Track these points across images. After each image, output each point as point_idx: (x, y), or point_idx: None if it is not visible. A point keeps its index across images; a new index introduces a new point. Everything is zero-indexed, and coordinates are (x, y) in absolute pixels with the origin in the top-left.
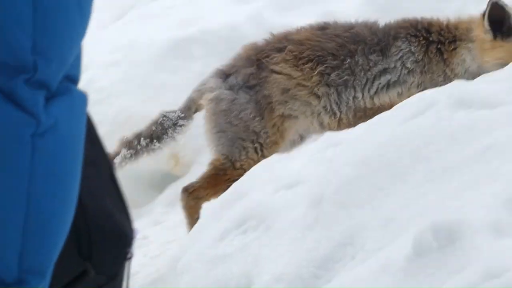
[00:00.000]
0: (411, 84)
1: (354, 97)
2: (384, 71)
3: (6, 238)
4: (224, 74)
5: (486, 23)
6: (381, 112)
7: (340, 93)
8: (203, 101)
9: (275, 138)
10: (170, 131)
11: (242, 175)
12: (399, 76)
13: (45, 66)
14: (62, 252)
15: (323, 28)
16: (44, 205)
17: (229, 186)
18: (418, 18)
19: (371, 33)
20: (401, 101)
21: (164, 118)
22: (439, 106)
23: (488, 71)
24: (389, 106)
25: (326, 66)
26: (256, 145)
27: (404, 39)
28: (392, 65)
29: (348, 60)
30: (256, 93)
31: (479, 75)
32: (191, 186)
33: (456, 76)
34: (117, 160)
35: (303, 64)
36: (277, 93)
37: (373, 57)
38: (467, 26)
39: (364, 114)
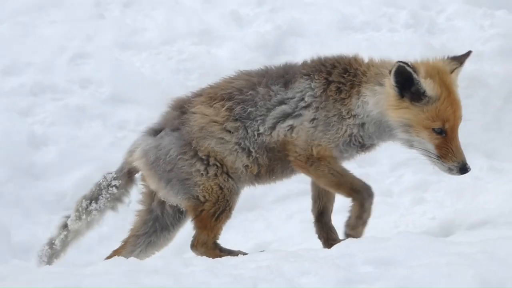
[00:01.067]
0: (304, 118)
1: (258, 131)
2: (282, 101)
3: None
4: (154, 131)
5: (392, 80)
6: (285, 152)
7: (246, 128)
8: (135, 162)
9: (214, 169)
10: (104, 192)
11: (216, 205)
12: (295, 108)
13: None
14: None
15: (240, 71)
16: None
17: (219, 220)
18: (330, 57)
19: (281, 68)
20: (295, 138)
21: (103, 179)
22: None
23: (392, 127)
24: (285, 143)
25: (233, 102)
26: (201, 175)
27: (307, 76)
28: (291, 96)
29: (251, 92)
30: (179, 132)
31: (381, 124)
32: (193, 240)
33: (354, 117)
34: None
35: (215, 102)
36: (196, 130)
37: (275, 88)
38: (377, 71)
39: (274, 156)
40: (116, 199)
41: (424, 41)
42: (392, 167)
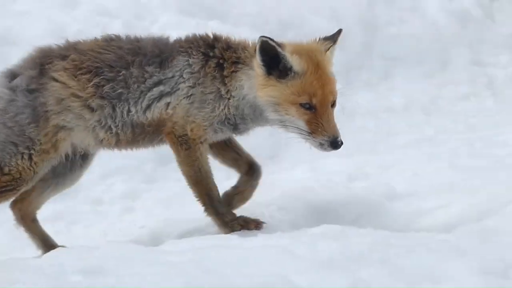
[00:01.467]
0: (181, 94)
1: (129, 112)
2: (159, 83)
3: None
4: (12, 74)
5: (258, 57)
6: (160, 129)
7: (114, 107)
8: None
9: (47, 147)
10: None
11: (12, 181)
12: (173, 87)
13: None
14: None
15: (109, 39)
16: None
17: (3, 195)
18: (209, 34)
19: (155, 46)
20: (172, 114)
21: None
22: None
23: (263, 108)
24: (161, 121)
25: (102, 78)
26: (28, 151)
27: (185, 53)
28: (170, 76)
29: (123, 72)
30: (35, 98)
31: (256, 107)
32: None
33: (232, 98)
34: None
35: (81, 74)
36: (52, 102)
37: (150, 68)
38: (252, 53)
39: (143, 130)
40: None
41: None
42: (103, 175)
